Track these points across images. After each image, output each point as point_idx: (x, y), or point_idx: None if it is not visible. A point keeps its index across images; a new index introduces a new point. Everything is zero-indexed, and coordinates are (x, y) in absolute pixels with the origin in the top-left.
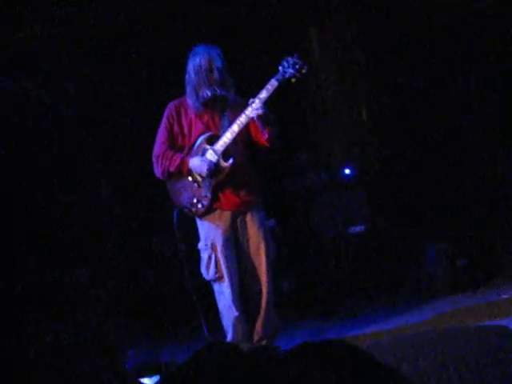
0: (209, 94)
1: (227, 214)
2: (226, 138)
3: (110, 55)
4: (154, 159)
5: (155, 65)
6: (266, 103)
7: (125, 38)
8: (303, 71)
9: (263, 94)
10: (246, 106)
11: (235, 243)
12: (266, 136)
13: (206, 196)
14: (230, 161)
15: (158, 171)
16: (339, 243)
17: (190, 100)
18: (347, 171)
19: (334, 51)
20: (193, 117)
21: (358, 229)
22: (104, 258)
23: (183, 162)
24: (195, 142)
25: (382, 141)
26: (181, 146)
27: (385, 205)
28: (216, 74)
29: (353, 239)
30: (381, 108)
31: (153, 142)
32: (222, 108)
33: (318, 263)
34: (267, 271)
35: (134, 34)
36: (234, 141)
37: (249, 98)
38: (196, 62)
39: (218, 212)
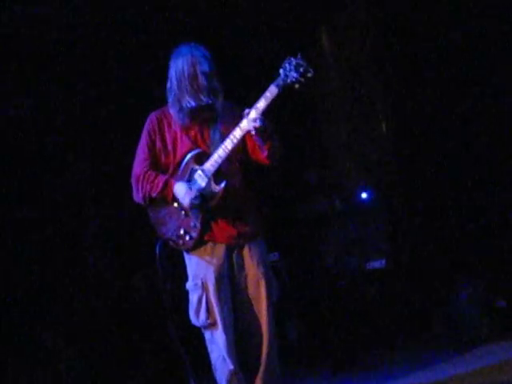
0: (192, 103)
1: (221, 248)
2: (218, 155)
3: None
4: (132, 181)
5: (136, 67)
6: (265, 114)
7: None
8: (309, 75)
9: (261, 103)
10: (240, 117)
11: (230, 282)
12: (266, 153)
13: (195, 226)
14: (223, 184)
15: (137, 196)
16: (355, 281)
17: (172, 111)
18: (364, 195)
19: (347, 51)
20: (178, 131)
21: (378, 264)
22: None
23: (167, 186)
24: (181, 160)
25: (405, 158)
26: (164, 166)
27: (409, 235)
28: (202, 80)
29: (371, 276)
30: (403, 119)
31: (132, 160)
32: (212, 120)
33: (330, 305)
34: (268, 316)
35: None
36: (228, 159)
37: (244, 108)
38: (178, 66)
39: (209, 245)
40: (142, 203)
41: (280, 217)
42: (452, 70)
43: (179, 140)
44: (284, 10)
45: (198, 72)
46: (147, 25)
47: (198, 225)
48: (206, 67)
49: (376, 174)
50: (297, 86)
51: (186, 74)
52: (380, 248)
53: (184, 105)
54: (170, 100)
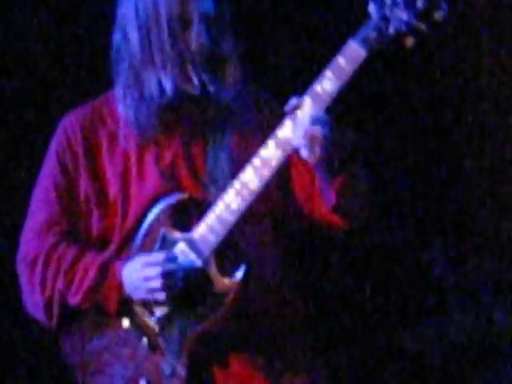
0: (167, 88)
1: None
2: (227, 207)
3: None
4: (19, 268)
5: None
6: (336, 110)
7: None
8: (437, 17)
9: (326, 85)
10: (279, 116)
11: None
12: (334, 199)
13: (174, 374)
14: (240, 272)
15: (30, 300)
16: None
17: (123, 105)
18: None
19: None
20: (133, 150)
21: None
22: None
23: (107, 278)
24: (139, 220)
25: None
26: (100, 235)
27: None
28: (199, 35)
29: None
30: None
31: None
32: (212, 124)
33: None
34: None
35: None
36: (249, 216)
37: (287, 98)
38: None
39: None
40: (44, 319)
41: (369, 352)
42: None
43: (136, 172)
44: None
45: (194, 13)
46: None
47: (182, 370)
48: (210, 4)
49: None
50: (409, 41)
51: (162, 17)
52: None
53: (150, 90)
54: (117, 79)
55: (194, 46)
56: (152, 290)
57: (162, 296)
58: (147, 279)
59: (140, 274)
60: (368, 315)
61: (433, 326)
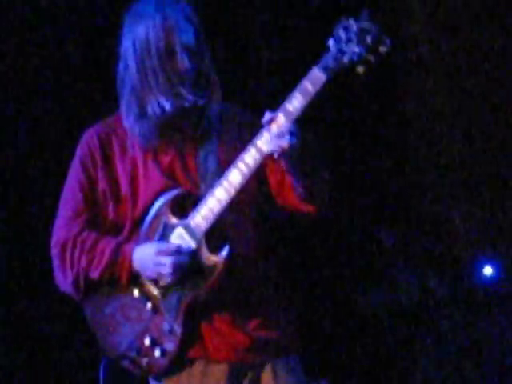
0: (166, 106)
1: (219, 371)
2: (215, 199)
3: None
4: (53, 254)
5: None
6: (302, 122)
7: None
8: (382, 50)
9: (294, 103)
10: (256, 129)
11: None
12: (301, 192)
13: (172, 331)
14: (225, 251)
15: (62, 278)
16: None
17: (128, 121)
18: (488, 271)
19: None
20: (139, 157)
21: None
22: None
23: (120, 257)
24: (146, 211)
25: None
26: (115, 223)
27: None
28: (183, 61)
29: None
30: None
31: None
32: (201, 133)
33: None
34: None
35: None
36: (234, 206)
37: (263, 112)
38: (139, 34)
39: (198, 366)
40: (72, 292)
41: (331, 313)
42: None
43: (142, 174)
44: None
45: (177, 45)
46: None
47: (177, 328)
48: (189, 37)
49: (508, 236)
50: (360, 68)
51: (153, 49)
52: None
53: (150, 109)
54: (122, 102)
55: (179, 70)
56: (161, 274)
57: (168, 279)
58: (159, 265)
59: (153, 258)
60: (329, 283)
61: (381, 292)
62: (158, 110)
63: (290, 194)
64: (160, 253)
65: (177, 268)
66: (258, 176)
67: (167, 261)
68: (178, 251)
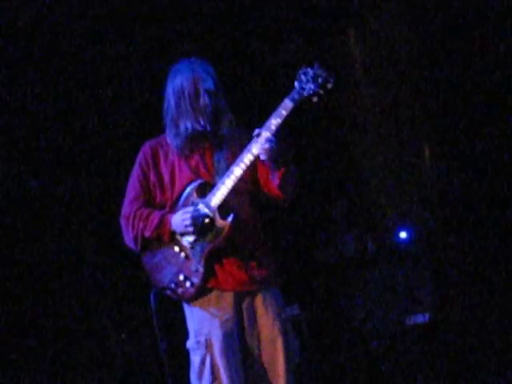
0: (191, 128)
1: (228, 297)
2: (224, 186)
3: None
4: (122, 223)
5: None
6: (278, 134)
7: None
8: (328, 86)
9: (273, 122)
10: (249, 140)
11: (240, 340)
12: (277, 182)
13: (197, 270)
14: (230, 218)
15: (128, 237)
16: (392, 340)
17: (169, 137)
18: (403, 234)
19: (380, 59)
20: (176, 160)
21: (420, 319)
22: None
23: (163, 223)
24: (180, 194)
25: (454, 190)
26: (160, 204)
27: (458, 284)
28: (204, 100)
29: (412, 334)
30: (450, 142)
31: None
32: (216, 145)
33: (361, 370)
34: (287, 380)
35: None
36: (236, 190)
37: (254, 129)
38: (176, 83)
39: (214, 294)
40: (134, 246)
41: (299, 261)
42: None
43: (178, 171)
44: (304, 10)
45: (201, 90)
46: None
47: (201, 268)
48: (210, 85)
49: (418, 209)
50: (315, 99)
51: (185, 93)
52: (423, 300)
53: (182, 129)
54: (166, 124)
55: (202, 106)
56: (186, 226)
57: (190, 229)
58: (184, 220)
59: (180, 217)
60: (296, 240)
61: (331, 248)
62: (186, 130)
63: (271, 184)
64: (184, 213)
65: (194, 220)
66: (252, 172)
67: (188, 215)
68: (195, 210)
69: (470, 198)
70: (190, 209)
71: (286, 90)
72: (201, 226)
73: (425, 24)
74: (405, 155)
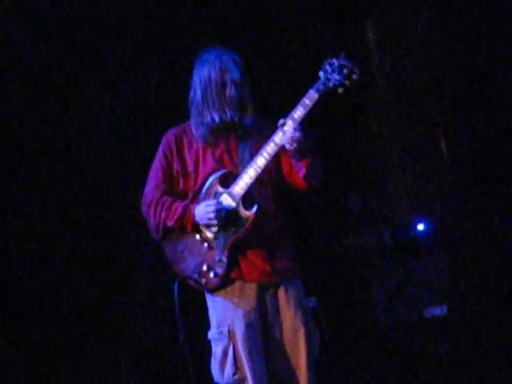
0: (216, 119)
1: (251, 288)
2: (248, 176)
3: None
4: (143, 208)
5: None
6: (303, 125)
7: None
8: (354, 77)
9: (298, 112)
10: (274, 130)
11: (263, 330)
12: (303, 172)
13: (221, 260)
14: (255, 208)
15: (149, 225)
16: (410, 333)
17: (194, 126)
18: (421, 227)
19: (397, 51)
20: (200, 149)
21: (438, 311)
22: None
23: (187, 212)
24: (203, 184)
25: (472, 184)
26: (183, 192)
27: (477, 277)
28: (231, 91)
29: (430, 327)
30: (467, 134)
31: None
32: (240, 135)
33: (379, 362)
34: (309, 374)
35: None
36: (260, 180)
37: (278, 119)
38: (203, 73)
39: (237, 284)
40: (156, 235)
41: (317, 253)
42: None
43: (201, 160)
44: (323, 4)
45: (227, 80)
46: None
47: (224, 259)
48: (236, 75)
49: (436, 202)
50: (340, 90)
51: (212, 83)
52: (440, 292)
53: (207, 119)
54: (191, 114)
55: (228, 96)
56: (209, 218)
57: (214, 222)
58: (207, 213)
59: (204, 209)
60: (317, 233)
61: (350, 240)
62: (211, 120)
63: (295, 175)
64: (208, 206)
65: (217, 213)
66: (276, 163)
67: (211, 209)
68: (218, 203)
69: (487, 190)
70: (214, 201)
71: (302, 81)
72: (224, 218)
73: (444, 14)
74: (422, 147)
